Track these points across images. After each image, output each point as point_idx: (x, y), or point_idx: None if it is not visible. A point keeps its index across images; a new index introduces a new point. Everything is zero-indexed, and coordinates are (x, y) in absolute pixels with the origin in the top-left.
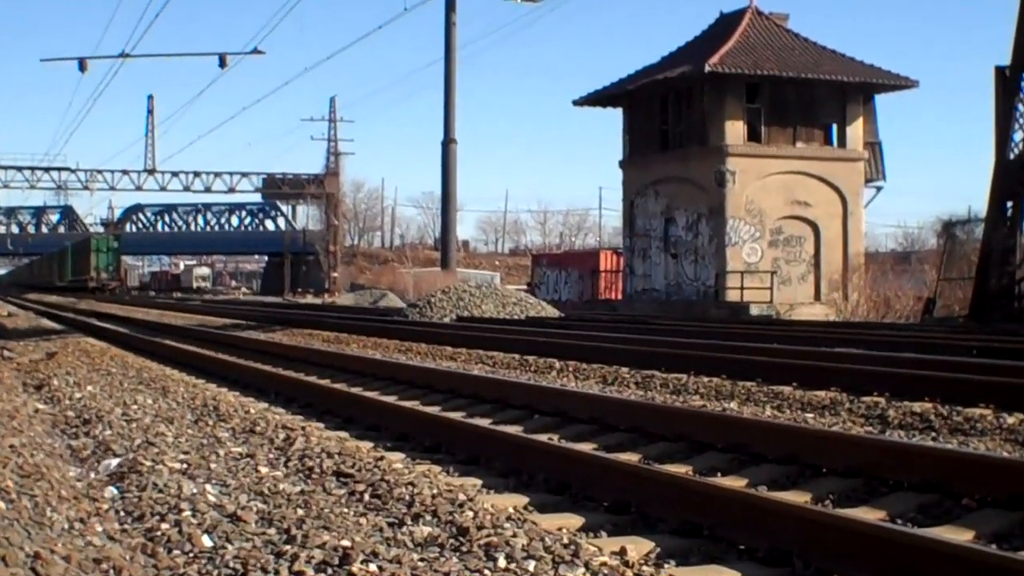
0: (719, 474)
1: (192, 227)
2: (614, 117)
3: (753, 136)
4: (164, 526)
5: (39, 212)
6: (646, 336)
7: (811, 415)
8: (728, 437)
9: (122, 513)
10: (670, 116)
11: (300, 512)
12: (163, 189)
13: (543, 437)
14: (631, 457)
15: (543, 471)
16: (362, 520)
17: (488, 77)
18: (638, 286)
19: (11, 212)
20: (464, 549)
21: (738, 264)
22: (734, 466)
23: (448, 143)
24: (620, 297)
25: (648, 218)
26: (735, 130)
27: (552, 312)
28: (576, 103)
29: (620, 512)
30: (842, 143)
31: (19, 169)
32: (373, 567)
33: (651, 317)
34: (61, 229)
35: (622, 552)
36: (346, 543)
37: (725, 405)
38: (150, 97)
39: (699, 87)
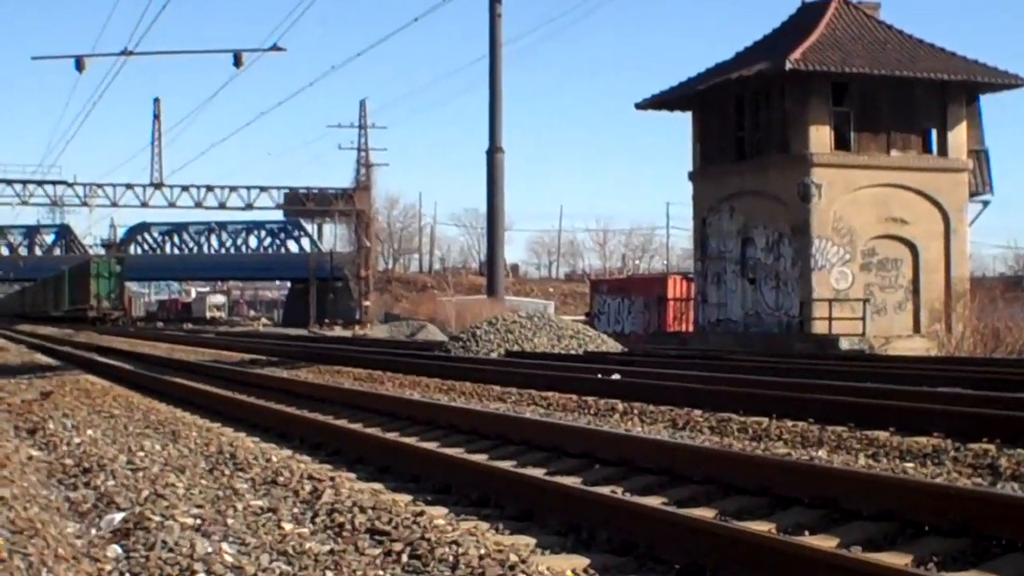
0: (806, 532)
1: (205, 249)
2: (683, 122)
3: (841, 144)
4: None
5: (31, 232)
6: (721, 374)
7: (911, 464)
8: (816, 490)
9: (127, 575)
10: (746, 121)
11: (330, 575)
12: (172, 205)
13: (605, 490)
14: (705, 513)
15: (605, 529)
16: None
17: (539, 77)
18: (711, 316)
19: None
20: None
21: (825, 291)
22: (824, 524)
23: (494, 152)
24: (691, 329)
25: (722, 238)
26: (820, 137)
27: (614, 346)
28: (639, 106)
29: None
30: (943, 151)
31: (8, 183)
32: None
33: (726, 352)
34: (56, 251)
35: None
36: None
37: (812, 453)
38: (156, 100)
39: (779, 87)
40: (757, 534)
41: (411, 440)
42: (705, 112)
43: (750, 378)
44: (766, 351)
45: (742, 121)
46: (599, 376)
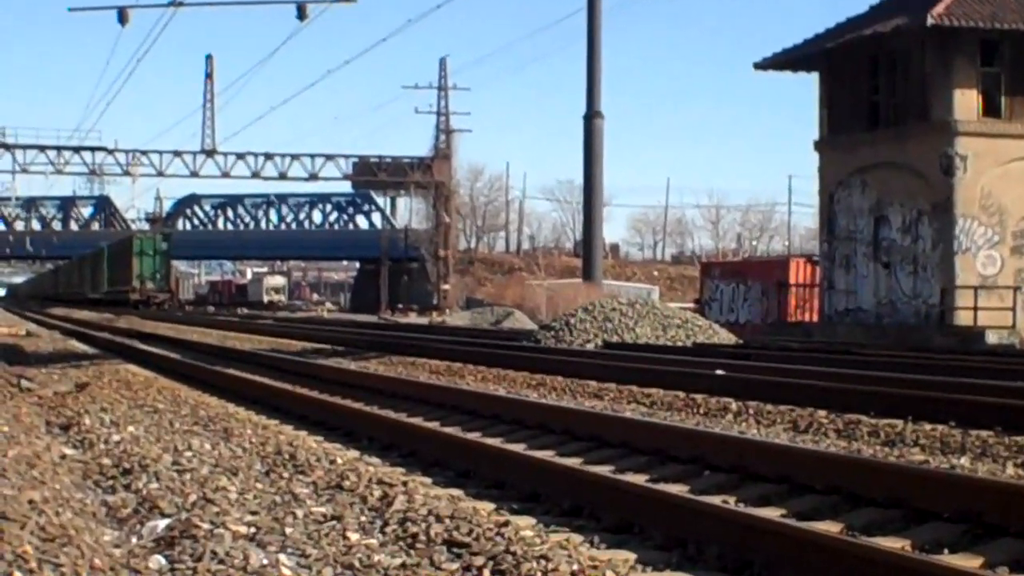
0: (945, 550)
1: (262, 224)
2: (808, 85)
3: (990, 110)
4: None
5: (67, 204)
6: (849, 370)
7: None
8: (957, 503)
9: None
10: (881, 83)
11: None
12: (225, 175)
13: (715, 499)
14: (830, 527)
15: (715, 544)
16: None
17: (644, 32)
18: (839, 305)
19: (32, 203)
20: None
21: (971, 277)
22: (965, 541)
23: (592, 118)
24: (816, 319)
25: (852, 216)
26: (966, 101)
27: (727, 337)
28: (758, 66)
29: None
30: None
31: (42, 148)
32: None
33: (856, 346)
34: (95, 226)
35: None
36: None
37: (953, 461)
38: (208, 58)
39: (919, 45)
40: (890, 552)
41: (495, 441)
42: (834, 73)
43: (882, 375)
44: (901, 345)
45: (876, 84)
46: (717, 372)
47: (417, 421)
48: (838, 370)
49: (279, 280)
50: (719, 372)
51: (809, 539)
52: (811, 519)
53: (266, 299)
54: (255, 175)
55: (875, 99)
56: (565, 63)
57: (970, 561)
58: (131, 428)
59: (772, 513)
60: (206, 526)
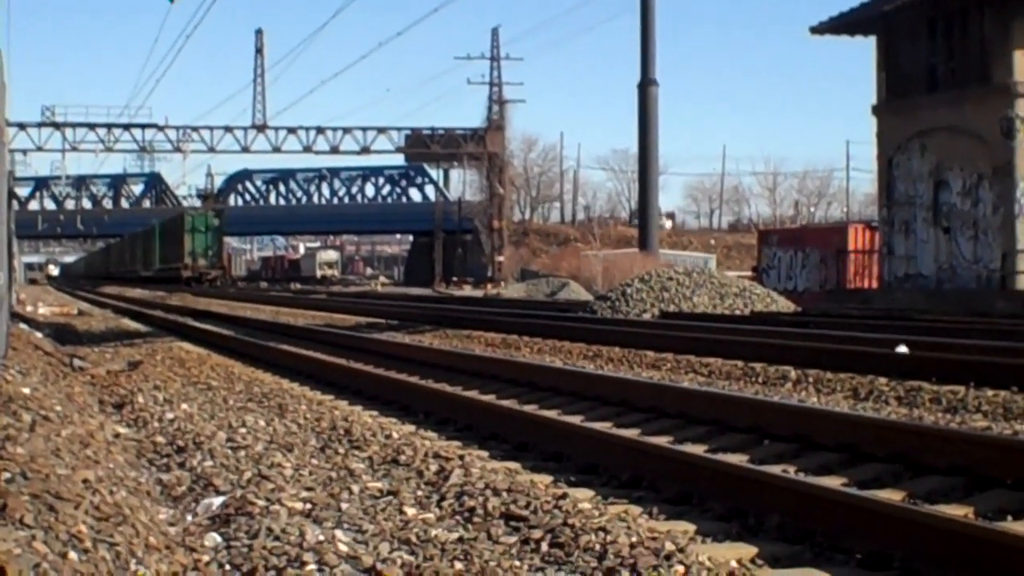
0: (1009, 517)
1: (315, 199)
2: (865, 49)
3: None
4: None
5: (118, 181)
6: (910, 337)
7: None
8: (1021, 470)
9: (227, 567)
10: (940, 46)
11: (459, 566)
12: (277, 150)
13: (776, 469)
14: (892, 496)
15: (776, 514)
16: None
17: None
18: (899, 271)
19: (82, 182)
20: None
21: None
22: None
23: (647, 86)
24: (876, 285)
25: (912, 181)
26: None
27: (786, 305)
28: (815, 31)
29: (878, 567)
30: None
31: (92, 127)
32: None
33: (917, 312)
34: (146, 203)
35: None
36: None
37: (1017, 427)
38: (259, 32)
39: (978, 6)
40: (953, 519)
41: (552, 413)
42: (891, 36)
43: (943, 341)
44: (962, 310)
45: (935, 46)
46: (899, 350)
47: (473, 394)
48: (898, 336)
49: (332, 255)
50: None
51: (871, 507)
52: (873, 488)
53: (319, 274)
54: (307, 149)
55: (933, 62)
56: (619, 31)
57: None
58: (185, 406)
59: (833, 482)
60: (261, 503)
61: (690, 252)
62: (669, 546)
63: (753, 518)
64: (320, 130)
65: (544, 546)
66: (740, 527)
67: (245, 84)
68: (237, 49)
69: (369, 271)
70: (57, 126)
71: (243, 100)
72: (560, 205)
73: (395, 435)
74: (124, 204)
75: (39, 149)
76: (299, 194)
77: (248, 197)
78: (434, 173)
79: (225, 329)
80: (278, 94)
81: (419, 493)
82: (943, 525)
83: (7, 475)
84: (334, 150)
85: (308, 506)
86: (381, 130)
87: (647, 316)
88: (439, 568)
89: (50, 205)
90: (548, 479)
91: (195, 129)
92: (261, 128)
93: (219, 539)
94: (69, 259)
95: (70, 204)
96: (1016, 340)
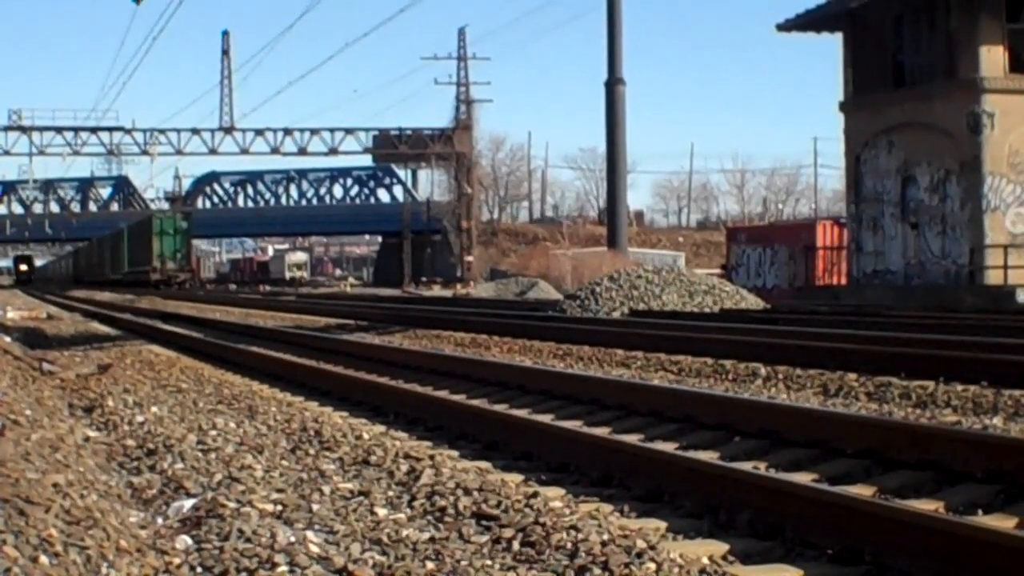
0: (979, 511)
1: (283, 201)
2: (832, 46)
3: (1018, 66)
4: None
5: (85, 185)
6: (879, 332)
7: None
8: (990, 464)
9: (199, 569)
10: (906, 42)
11: (430, 566)
12: (244, 152)
13: (746, 466)
14: (863, 491)
15: (747, 510)
16: None
17: None
18: (867, 267)
19: (49, 185)
20: None
21: (1000, 236)
22: (1000, 501)
23: (614, 84)
24: (844, 282)
25: (880, 177)
26: (993, 58)
27: (755, 303)
28: (781, 28)
29: (849, 562)
30: None
31: (59, 130)
32: None
33: (885, 308)
34: (114, 206)
35: None
36: None
37: (986, 421)
38: (225, 34)
39: (944, 3)
40: (923, 514)
41: (522, 412)
42: (858, 33)
43: (912, 336)
44: (931, 306)
45: (901, 43)
46: None
47: (443, 394)
48: (867, 332)
49: (301, 256)
50: None
51: (841, 503)
52: (843, 484)
53: (288, 275)
54: (274, 151)
55: (900, 58)
56: (585, 30)
57: (1004, 521)
58: (155, 409)
59: (803, 478)
60: (232, 505)
61: (659, 250)
62: (640, 544)
63: (724, 515)
64: (288, 131)
65: (516, 545)
66: (711, 524)
67: (212, 86)
68: (204, 51)
69: (338, 272)
70: (24, 130)
71: (210, 102)
72: (529, 204)
73: (365, 436)
74: (92, 208)
75: (6, 153)
76: (267, 196)
77: (216, 199)
78: (402, 173)
79: (195, 332)
80: (245, 96)
81: (390, 493)
82: (913, 520)
83: None
84: (302, 151)
85: (279, 507)
86: (349, 131)
87: (617, 315)
88: (411, 568)
89: (18, 209)
90: (519, 478)
91: (162, 131)
92: (228, 130)
93: (190, 541)
94: (38, 263)
95: (38, 208)
96: (984, 335)
